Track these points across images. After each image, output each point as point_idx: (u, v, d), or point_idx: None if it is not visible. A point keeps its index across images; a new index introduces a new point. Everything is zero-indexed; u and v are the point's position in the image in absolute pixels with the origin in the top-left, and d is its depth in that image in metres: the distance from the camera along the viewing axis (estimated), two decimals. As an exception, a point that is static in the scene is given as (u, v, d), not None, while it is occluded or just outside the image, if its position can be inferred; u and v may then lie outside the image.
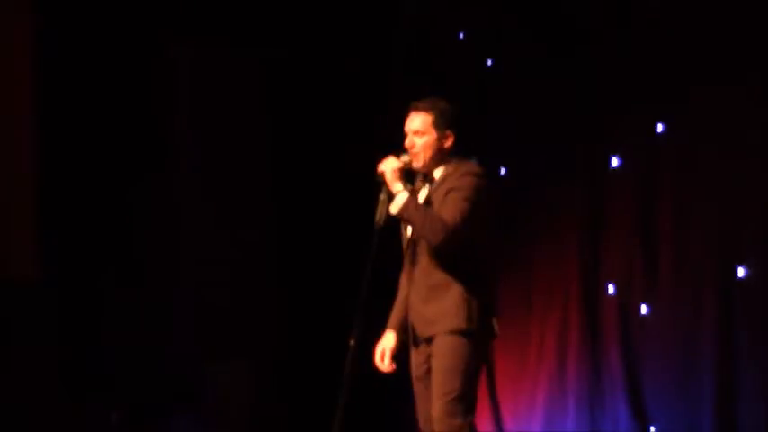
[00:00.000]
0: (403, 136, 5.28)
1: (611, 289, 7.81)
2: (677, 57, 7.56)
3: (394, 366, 5.36)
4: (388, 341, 5.38)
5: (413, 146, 5.22)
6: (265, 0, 8.53)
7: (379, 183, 5.20)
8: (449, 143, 5.24)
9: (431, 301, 5.17)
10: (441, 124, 5.22)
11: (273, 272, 8.51)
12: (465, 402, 5.11)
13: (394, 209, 5.11)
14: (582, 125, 7.94)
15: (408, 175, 5.26)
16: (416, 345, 5.28)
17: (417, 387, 5.33)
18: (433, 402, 5.13)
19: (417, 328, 5.24)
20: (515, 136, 8.17)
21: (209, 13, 8.31)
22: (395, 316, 5.41)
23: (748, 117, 7.29)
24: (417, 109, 5.23)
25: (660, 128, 7.65)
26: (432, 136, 5.21)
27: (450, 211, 5.08)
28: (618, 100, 7.78)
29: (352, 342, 5.13)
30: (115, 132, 8.15)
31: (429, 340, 5.19)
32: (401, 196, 5.11)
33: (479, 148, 7.97)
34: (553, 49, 7.99)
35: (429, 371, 5.22)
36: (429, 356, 5.22)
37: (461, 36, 8.40)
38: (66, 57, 8.04)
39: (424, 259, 5.20)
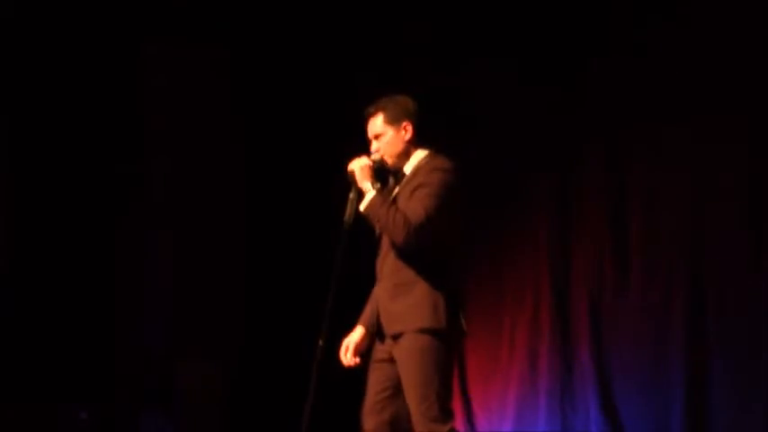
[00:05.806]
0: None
1: (581, 288, 7.81)
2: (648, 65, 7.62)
3: (357, 361, 5.29)
4: (354, 336, 5.32)
5: (378, 149, 5.24)
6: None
7: (349, 182, 5.20)
8: (408, 134, 5.23)
9: (397, 296, 5.14)
10: (393, 119, 5.21)
11: (243, 271, 8.49)
12: (444, 405, 5.08)
13: (362, 207, 5.13)
14: (552, 127, 7.94)
15: (380, 173, 5.25)
16: (381, 340, 5.24)
17: (372, 368, 5.27)
18: (412, 409, 5.09)
19: (384, 323, 5.20)
20: (488, 134, 8.16)
21: (180, 10, 8.27)
22: (367, 311, 5.36)
23: (718, 118, 7.37)
24: (369, 113, 5.26)
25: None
26: (389, 133, 5.21)
27: (416, 208, 5.05)
28: (595, 100, 7.82)
29: (320, 342, 5.12)
30: (88, 130, 8.12)
31: (395, 337, 5.15)
32: (369, 195, 5.12)
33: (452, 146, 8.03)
34: (526, 53, 7.99)
35: (389, 360, 5.17)
36: (393, 352, 5.16)
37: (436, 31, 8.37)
38: (38, 54, 8.01)
39: (391, 255, 5.17)
